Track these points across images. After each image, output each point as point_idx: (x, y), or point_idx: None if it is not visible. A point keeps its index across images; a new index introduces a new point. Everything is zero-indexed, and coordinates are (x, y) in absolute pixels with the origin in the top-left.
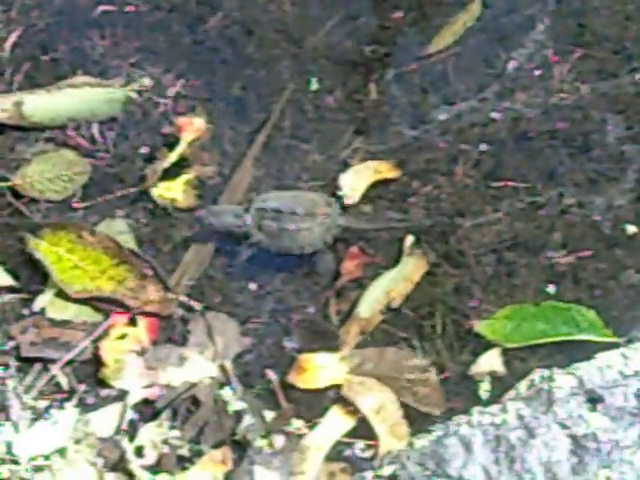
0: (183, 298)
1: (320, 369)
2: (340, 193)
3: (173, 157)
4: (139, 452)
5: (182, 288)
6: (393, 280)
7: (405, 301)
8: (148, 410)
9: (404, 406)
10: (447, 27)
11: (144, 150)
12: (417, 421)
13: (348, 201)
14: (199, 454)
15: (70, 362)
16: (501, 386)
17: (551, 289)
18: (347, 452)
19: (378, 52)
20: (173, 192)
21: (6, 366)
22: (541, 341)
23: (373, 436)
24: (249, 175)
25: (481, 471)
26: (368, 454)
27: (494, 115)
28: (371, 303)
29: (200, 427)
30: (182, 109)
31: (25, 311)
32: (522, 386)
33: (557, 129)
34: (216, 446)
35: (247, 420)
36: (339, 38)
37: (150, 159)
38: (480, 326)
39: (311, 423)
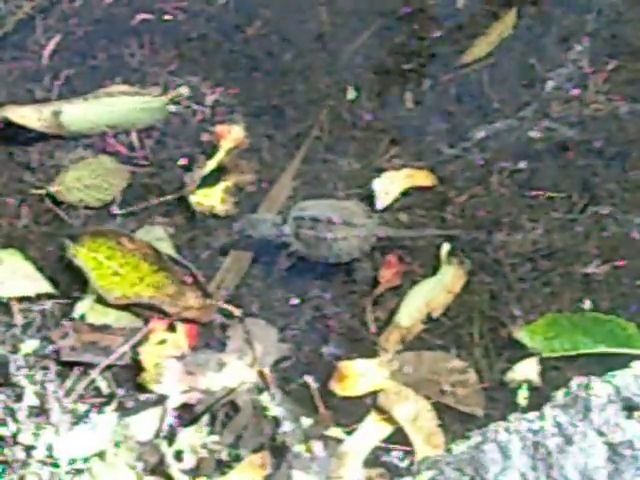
0: (222, 305)
1: (360, 376)
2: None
3: (211, 165)
4: (178, 456)
5: (221, 295)
6: (433, 290)
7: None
8: (187, 415)
9: (444, 409)
10: (482, 37)
11: (182, 157)
12: (455, 426)
13: (379, 205)
14: (238, 459)
15: (110, 367)
16: (538, 394)
17: (587, 304)
18: (385, 458)
19: (414, 62)
20: (211, 199)
21: (46, 370)
22: (579, 352)
23: (411, 443)
24: (288, 188)
25: (519, 477)
26: (406, 460)
27: (532, 134)
28: (411, 312)
29: (239, 432)
30: (220, 117)
31: (65, 316)
32: (559, 394)
33: (592, 140)
34: (255, 451)
35: (286, 426)
36: (375, 48)
37: (188, 167)
38: (519, 333)
39: (349, 429)
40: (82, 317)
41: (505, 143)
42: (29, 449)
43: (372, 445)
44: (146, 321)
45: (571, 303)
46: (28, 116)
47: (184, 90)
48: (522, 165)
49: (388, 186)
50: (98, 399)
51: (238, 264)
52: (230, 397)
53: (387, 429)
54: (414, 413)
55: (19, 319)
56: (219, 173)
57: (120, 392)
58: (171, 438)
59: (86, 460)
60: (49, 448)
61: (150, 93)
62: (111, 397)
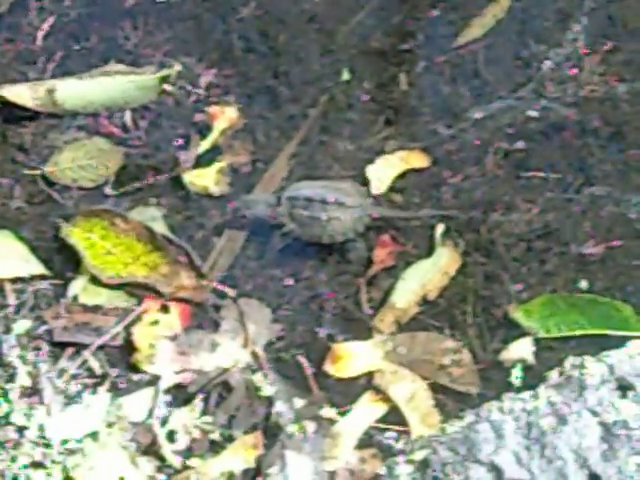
0: (216, 285)
1: (354, 357)
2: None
3: (205, 145)
4: (171, 437)
5: (215, 275)
6: (428, 272)
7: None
8: (180, 395)
9: (439, 388)
10: (477, 19)
11: (176, 138)
12: (449, 406)
13: (375, 191)
14: (231, 439)
15: (102, 347)
16: (532, 374)
17: (583, 284)
18: (379, 438)
19: (409, 43)
20: (205, 180)
21: (39, 350)
22: (574, 333)
23: (405, 422)
24: (283, 169)
25: (512, 457)
26: (399, 441)
27: (530, 113)
28: (406, 294)
29: (232, 412)
30: (214, 98)
31: (58, 297)
32: (554, 373)
33: (588, 121)
34: (248, 431)
35: (279, 406)
36: (370, 29)
37: (182, 147)
38: (515, 312)
39: (343, 410)
40: (75, 298)
41: (501, 123)
42: (21, 429)
43: (366, 426)
44: (139, 301)
45: (566, 283)
46: (22, 94)
47: (177, 67)
48: (518, 145)
49: (382, 172)
50: (91, 379)
51: (232, 244)
52: (223, 377)
53: (381, 410)
54: (410, 393)
55: (12, 300)
56: (213, 154)
57: (113, 372)
58: (164, 418)
59: (79, 440)
60: (41, 428)
61: (144, 72)
62: (104, 377)
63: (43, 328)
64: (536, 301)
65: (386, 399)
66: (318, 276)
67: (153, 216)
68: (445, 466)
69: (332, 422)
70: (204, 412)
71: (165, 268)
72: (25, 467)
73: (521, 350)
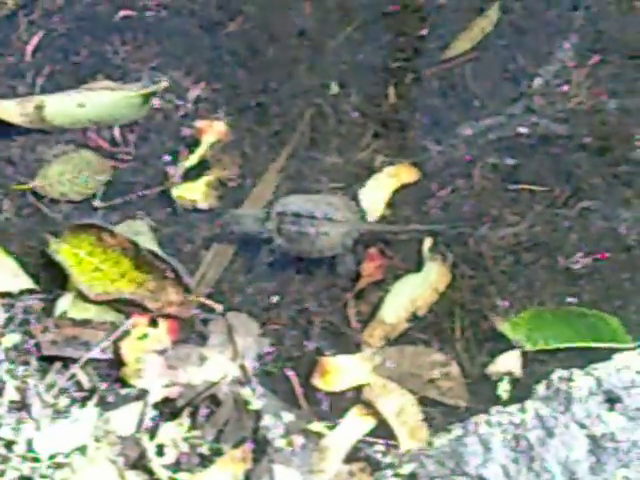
0: (203, 300)
1: (343, 371)
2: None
3: (194, 159)
4: (159, 451)
5: (202, 289)
6: (417, 287)
7: None
8: (168, 409)
9: (428, 402)
10: (465, 32)
11: (165, 152)
12: (437, 420)
13: (371, 217)
14: (219, 453)
15: (91, 361)
16: (519, 387)
17: (571, 299)
18: (367, 451)
19: (397, 57)
20: (194, 193)
21: (27, 364)
22: (561, 345)
23: (393, 436)
24: (273, 184)
25: (500, 470)
26: (388, 454)
27: (520, 129)
28: (396, 309)
29: (220, 426)
30: (203, 112)
31: (47, 311)
32: (541, 386)
33: (576, 135)
34: (236, 445)
35: (267, 420)
36: (359, 43)
37: (171, 161)
38: (502, 325)
39: (331, 424)
40: (64, 313)
41: (490, 138)
42: (10, 444)
43: (354, 439)
44: (127, 316)
45: (554, 296)
46: (10, 110)
47: (164, 83)
48: (507, 162)
49: (375, 194)
50: (79, 394)
51: (220, 258)
52: (211, 391)
53: (369, 423)
54: (399, 406)
55: (0, 314)
56: (202, 168)
57: (101, 387)
58: (152, 432)
59: (67, 455)
60: (30, 443)
61: (132, 88)
62: (92, 392)
63: (31, 342)
64: (524, 314)
65: (374, 413)
66: (306, 290)
67: (141, 230)
68: None
69: (320, 436)
70: (192, 426)
71: (152, 284)
72: None
73: (509, 363)
